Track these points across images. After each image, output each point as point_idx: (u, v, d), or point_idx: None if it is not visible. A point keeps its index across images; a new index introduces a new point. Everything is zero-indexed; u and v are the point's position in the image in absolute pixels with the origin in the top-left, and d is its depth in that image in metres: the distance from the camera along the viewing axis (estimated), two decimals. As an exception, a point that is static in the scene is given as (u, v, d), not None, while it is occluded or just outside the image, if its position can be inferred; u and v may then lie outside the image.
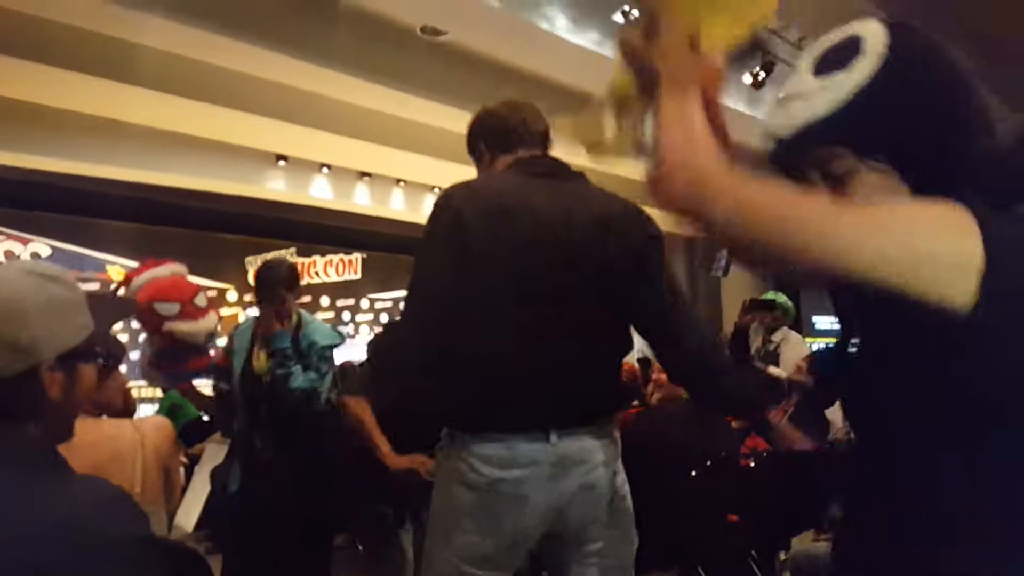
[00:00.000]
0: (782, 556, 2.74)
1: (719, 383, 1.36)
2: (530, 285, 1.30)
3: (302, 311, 2.72)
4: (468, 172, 7.59)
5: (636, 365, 7.40)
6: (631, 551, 1.38)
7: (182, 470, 4.08)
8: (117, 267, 10.77)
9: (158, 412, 5.53)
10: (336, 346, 2.67)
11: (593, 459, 1.25)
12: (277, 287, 2.55)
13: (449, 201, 1.38)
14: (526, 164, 1.48)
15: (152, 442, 1.66)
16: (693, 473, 2.56)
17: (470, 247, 1.30)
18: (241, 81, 6.08)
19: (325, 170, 8.23)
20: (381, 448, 2.46)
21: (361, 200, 8.91)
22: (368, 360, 2.05)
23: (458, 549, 1.27)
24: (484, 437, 1.22)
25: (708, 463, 2.60)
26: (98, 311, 1.03)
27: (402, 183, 9.19)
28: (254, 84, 6.14)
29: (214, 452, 3.23)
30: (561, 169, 1.52)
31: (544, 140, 1.56)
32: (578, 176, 1.51)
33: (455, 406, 1.30)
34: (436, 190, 9.45)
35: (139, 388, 7.89)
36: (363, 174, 9.07)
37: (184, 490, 3.53)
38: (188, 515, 3.65)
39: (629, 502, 1.37)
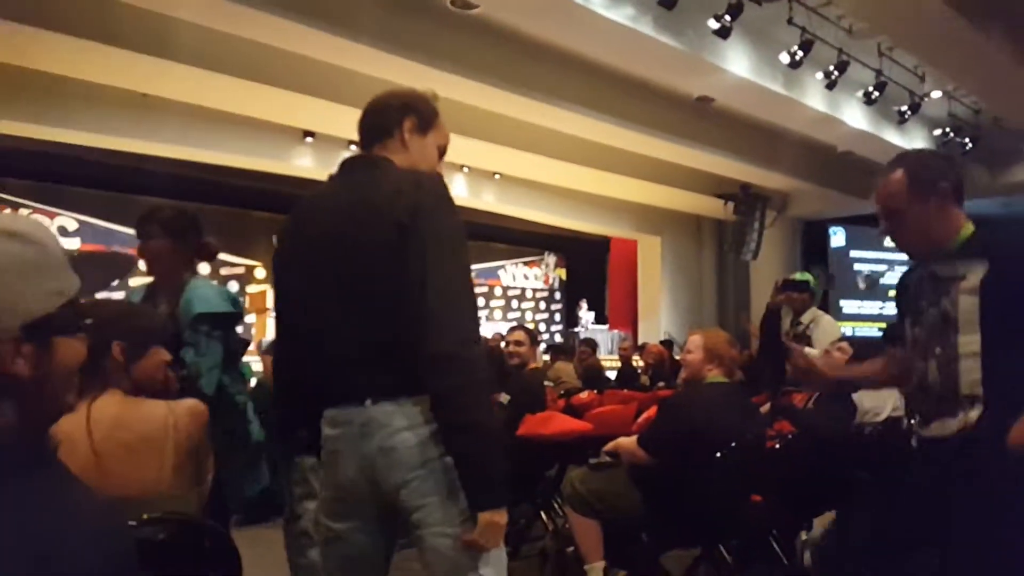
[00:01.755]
0: (803, 536, 2.70)
1: (445, 397, 1.33)
2: (311, 277, 1.45)
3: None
4: (495, 150, 7.60)
5: (662, 347, 7.34)
6: (455, 514, 1.34)
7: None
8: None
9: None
10: (225, 315, 2.15)
11: (394, 423, 1.36)
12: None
13: (279, 227, 1.59)
14: (337, 170, 1.56)
15: (185, 425, 1.58)
16: (719, 454, 2.53)
17: (280, 256, 1.56)
18: (268, 55, 6.06)
19: (352, 147, 8.03)
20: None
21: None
22: None
23: (320, 502, 1.52)
24: (326, 405, 1.46)
25: (733, 444, 2.57)
26: (92, 273, 0.95)
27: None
28: (282, 58, 6.12)
29: None
30: (351, 165, 1.53)
31: (365, 138, 1.55)
32: (371, 166, 1.49)
33: (307, 388, 1.51)
34: (465, 169, 9.46)
35: None
36: (462, 167, 9.14)
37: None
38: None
39: (449, 470, 1.35)
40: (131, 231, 2.33)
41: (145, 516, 1.36)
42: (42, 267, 0.84)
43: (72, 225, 9.95)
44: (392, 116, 1.53)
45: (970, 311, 1.61)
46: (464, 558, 1.34)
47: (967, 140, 8.83)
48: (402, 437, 1.36)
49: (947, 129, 8.75)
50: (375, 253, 1.38)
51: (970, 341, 1.61)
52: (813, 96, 7.43)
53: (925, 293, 1.72)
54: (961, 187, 1.77)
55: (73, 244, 9.75)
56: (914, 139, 8.99)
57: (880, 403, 3.53)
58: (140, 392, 1.63)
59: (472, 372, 1.35)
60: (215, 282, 2.41)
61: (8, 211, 8.70)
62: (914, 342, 1.74)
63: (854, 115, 7.99)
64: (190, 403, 1.67)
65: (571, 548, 2.88)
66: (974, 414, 1.60)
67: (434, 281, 1.34)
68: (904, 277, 1.88)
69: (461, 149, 8.57)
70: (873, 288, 11.95)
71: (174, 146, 7.63)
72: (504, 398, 3.71)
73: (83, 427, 1.47)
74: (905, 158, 1.81)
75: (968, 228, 1.73)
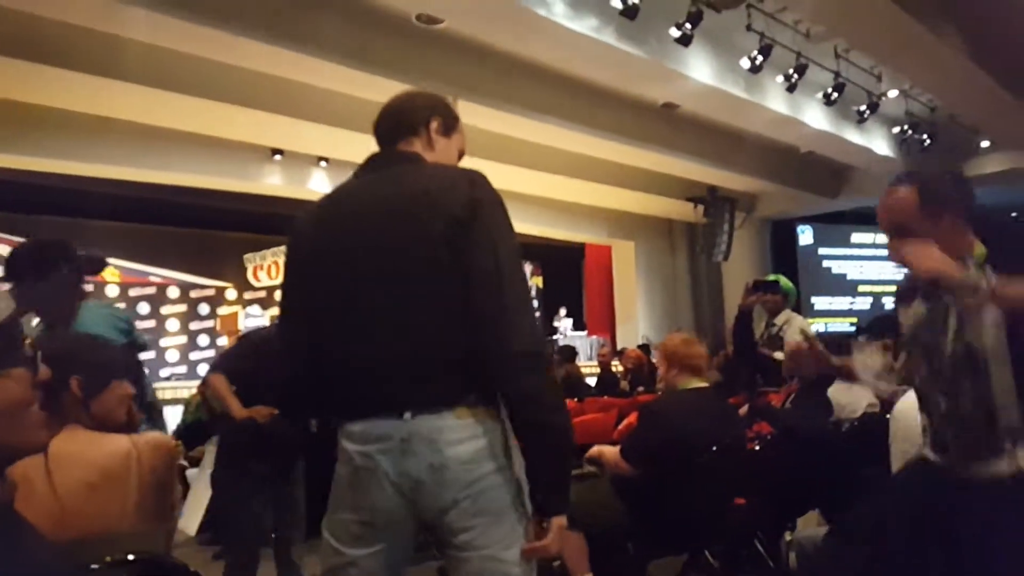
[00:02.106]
0: (787, 537, 2.72)
1: (530, 396, 1.25)
2: (346, 275, 1.35)
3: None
4: (467, 163, 7.58)
5: (640, 351, 7.38)
6: (506, 535, 1.27)
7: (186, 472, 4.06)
8: (111, 268, 10.74)
9: (185, 411, 5.42)
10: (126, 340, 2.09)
11: (444, 438, 1.26)
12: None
13: (292, 222, 1.48)
14: (363, 163, 1.49)
15: (148, 460, 1.53)
16: (700, 459, 2.55)
17: (301, 259, 1.43)
18: (233, 74, 6.01)
19: (323, 163, 8.14)
20: (232, 407, 2.73)
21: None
22: None
23: (332, 525, 1.37)
24: (351, 418, 1.33)
25: (715, 448, 2.59)
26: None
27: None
28: (247, 77, 6.07)
29: (211, 456, 3.12)
30: (385, 159, 1.45)
31: (387, 135, 1.48)
32: (406, 161, 1.42)
33: (326, 395, 1.40)
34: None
35: (171, 389, 7.83)
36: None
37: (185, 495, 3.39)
38: (190, 520, 3.58)
39: (504, 489, 1.28)
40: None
41: (108, 558, 1.31)
42: None
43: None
44: (419, 114, 1.47)
45: (995, 345, 1.52)
46: None
47: (925, 137, 9.06)
48: (453, 453, 1.26)
49: (905, 127, 8.96)
50: (426, 248, 1.28)
51: (1002, 375, 1.52)
52: (774, 99, 7.57)
53: (938, 323, 1.61)
54: (972, 208, 1.64)
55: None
56: (874, 137, 9.21)
57: (855, 400, 3.59)
58: (101, 427, 1.56)
59: (550, 371, 1.32)
60: (121, 305, 2.36)
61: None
62: (934, 375, 1.63)
63: (815, 116, 8.16)
64: (154, 436, 1.62)
65: (557, 562, 2.87)
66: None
67: (509, 276, 1.28)
68: (901, 303, 1.78)
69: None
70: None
71: (137, 169, 7.51)
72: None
73: (41, 467, 1.41)
74: (915, 174, 1.71)
75: (980, 251, 1.60)
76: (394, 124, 1.47)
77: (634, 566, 2.77)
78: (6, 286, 1.88)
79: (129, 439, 1.55)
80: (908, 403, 2.10)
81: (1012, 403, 1.52)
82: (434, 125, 1.47)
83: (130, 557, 1.35)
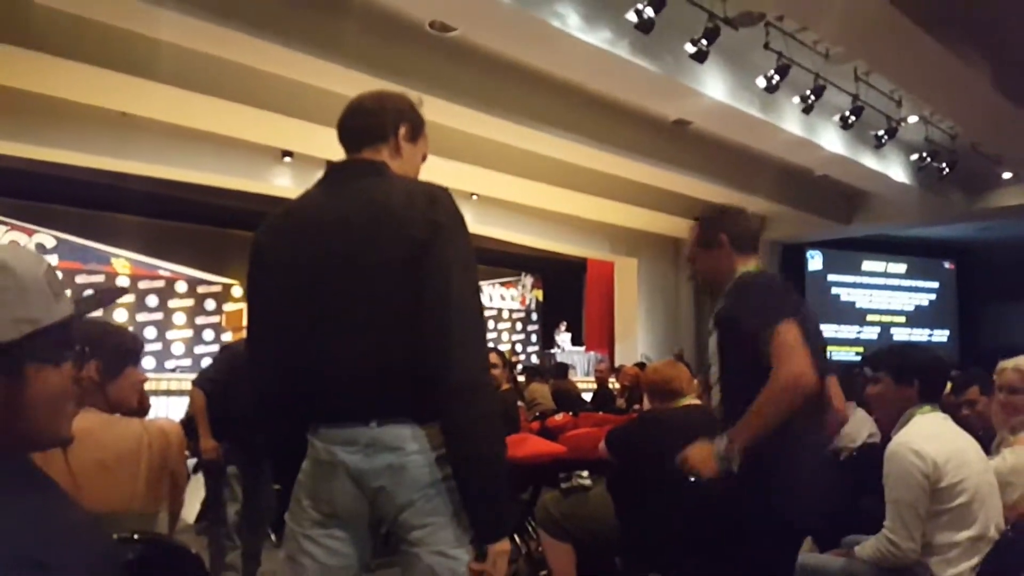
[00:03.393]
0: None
1: (465, 427, 1.27)
2: (312, 290, 1.35)
3: None
4: (472, 171, 7.61)
5: (638, 369, 7.30)
6: (454, 537, 1.31)
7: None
8: (123, 260, 10.84)
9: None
10: None
11: (406, 446, 1.31)
12: None
13: (256, 234, 1.47)
14: (326, 173, 1.46)
15: (159, 444, 1.62)
16: (691, 479, 2.49)
17: (267, 272, 1.42)
18: (247, 75, 6.05)
19: None
20: (202, 433, 3.28)
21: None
22: None
23: (294, 513, 1.41)
24: (319, 422, 1.38)
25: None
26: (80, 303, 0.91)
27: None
28: (260, 78, 6.11)
29: None
30: (352, 171, 1.43)
31: (354, 139, 1.44)
32: (372, 173, 1.39)
33: (294, 407, 1.42)
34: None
35: (176, 381, 7.95)
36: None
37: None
38: (188, 508, 3.76)
39: (455, 495, 1.31)
40: (106, 248, 2.40)
41: (115, 536, 1.35)
42: (9, 294, 0.82)
43: (50, 242, 9.86)
44: (389, 119, 1.44)
45: (713, 345, 1.95)
46: None
47: (944, 165, 8.96)
48: (413, 459, 1.31)
49: (924, 154, 8.86)
50: (389, 268, 1.30)
51: (715, 372, 1.97)
52: (790, 120, 7.52)
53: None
54: (745, 237, 1.98)
55: (51, 261, 9.70)
56: (891, 163, 9.11)
57: (855, 429, 3.51)
58: (114, 411, 1.64)
59: (491, 402, 1.33)
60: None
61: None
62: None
63: (831, 139, 8.09)
64: (164, 422, 1.70)
65: (544, 572, 2.83)
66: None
67: (457, 305, 1.28)
68: None
69: (438, 170, 8.55)
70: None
71: (151, 164, 7.59)
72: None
73: None
74: (702, 214, 2.12)
75: (754, 265, 1.99)
76: (363, 128, 1.44)
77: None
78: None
79: (141, 423, 1.64)
80: (903, 440, 2.03)
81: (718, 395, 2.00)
82: (402, 131, 1.44)
83: (135, 536, 1.40)
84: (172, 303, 10.74)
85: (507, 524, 1.35)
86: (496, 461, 1.30)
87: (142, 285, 10.43)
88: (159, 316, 10.52)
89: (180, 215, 10.07)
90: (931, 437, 2.00)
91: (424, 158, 1.52)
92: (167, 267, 10.76)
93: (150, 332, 10.35)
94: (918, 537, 1.93)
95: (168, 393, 7.57)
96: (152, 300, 10.50)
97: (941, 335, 14.18)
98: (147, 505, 1.57)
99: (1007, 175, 9.90)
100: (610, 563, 2.72)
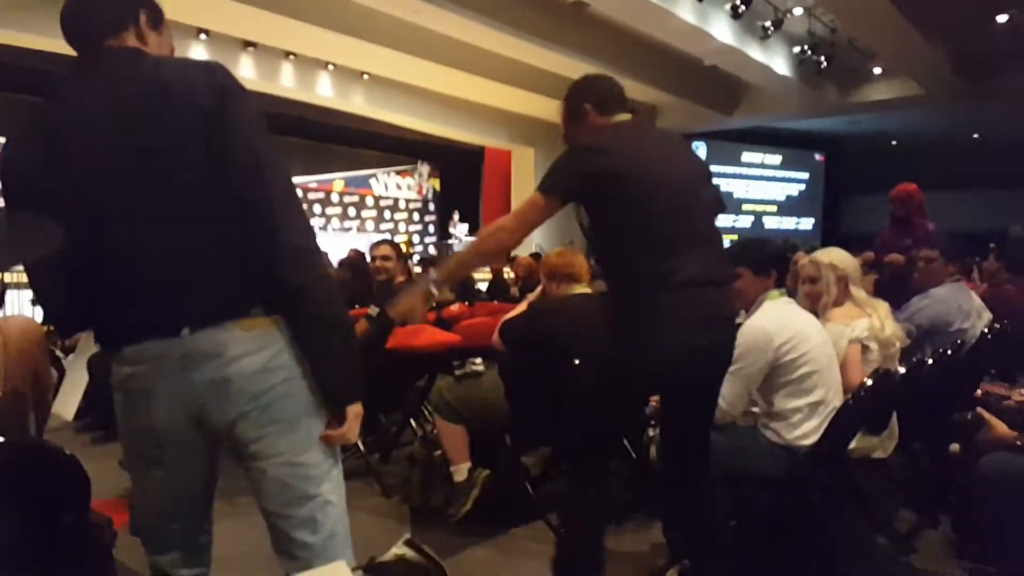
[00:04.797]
0: (650, 432, 2.84)
1: (304, 290, 1.19)
2: (100, 196, 1.19)
3: None
4: (363, 47, 7.15)
5: (532, 259, 7.47)
6: (300, 441, 1.25)
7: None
8: None
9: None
10: None
11: (228, 353, 1.20)
12: None
13: (3, 150, 1.27)
14: (74, 68, 1.29)
15: (16, 343, 1.52)
16: (576, 362, 2.61)
17: (31, 184, 1.23)
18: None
19: (331, 67, 8.22)
20: None
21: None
22: None
23: (125, 451, 1.32)
24: (123, 343, 1.23)
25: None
26: None
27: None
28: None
29: (89, 341, 3.16)
30: (101, 58, 1.25)
31: (87, 32, 1.28)
32: (127, 57, 1.25)
33: (96, 321, 1.29)
34: (331, 67, 8.92)
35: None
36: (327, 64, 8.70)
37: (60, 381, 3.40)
38: (67, 405, 3.56)
39: (296, 399, 1.25)
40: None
41: None
42: None
43: None
44: (126, 5, 1.29)
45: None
46: (307, 484, 1.26)
47: (823, 58, 9.31)
48: (238, 366, 1.20)
49: (806, 47, 9.16)
50: (182, 147, 1.17)
51: None
52: (683, 7, 7.51)
53: None
54: (608, 98, 2.03)
55: None
56: (775, 55, 9.37)
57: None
58: None
59: (324, 265, 1.25)
60: None
61: None
62: None
63: (721, 29, 8.18)
64: (21, 320, 1.59)
65: (439, 452, 2.96)
66: None
67: (268, 162, 1.18)
68: None
69: (327, 44, 8.00)
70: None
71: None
72: (373, 311, 3.66)
73: None
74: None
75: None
76: (94, 18, 1.27)
77: (510, 457, 2.89)
78: None
79: None
80: (755, 323, 2.26)
81: None
82: (143, 18, 1.30)
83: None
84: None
85: (359, 385, 1.28)
86: (340, 321, 1.25)
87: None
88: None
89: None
90: (778, 318, 2.25)
91: (171, 52, 1.35)
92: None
93: None
94: (740, 405, 2.22)
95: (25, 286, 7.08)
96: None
97: (807, 223, 15.25)
98: (11, 407, 1.48)
99: (878, 70, 10.42)
100: (500, 440, 2.86)
